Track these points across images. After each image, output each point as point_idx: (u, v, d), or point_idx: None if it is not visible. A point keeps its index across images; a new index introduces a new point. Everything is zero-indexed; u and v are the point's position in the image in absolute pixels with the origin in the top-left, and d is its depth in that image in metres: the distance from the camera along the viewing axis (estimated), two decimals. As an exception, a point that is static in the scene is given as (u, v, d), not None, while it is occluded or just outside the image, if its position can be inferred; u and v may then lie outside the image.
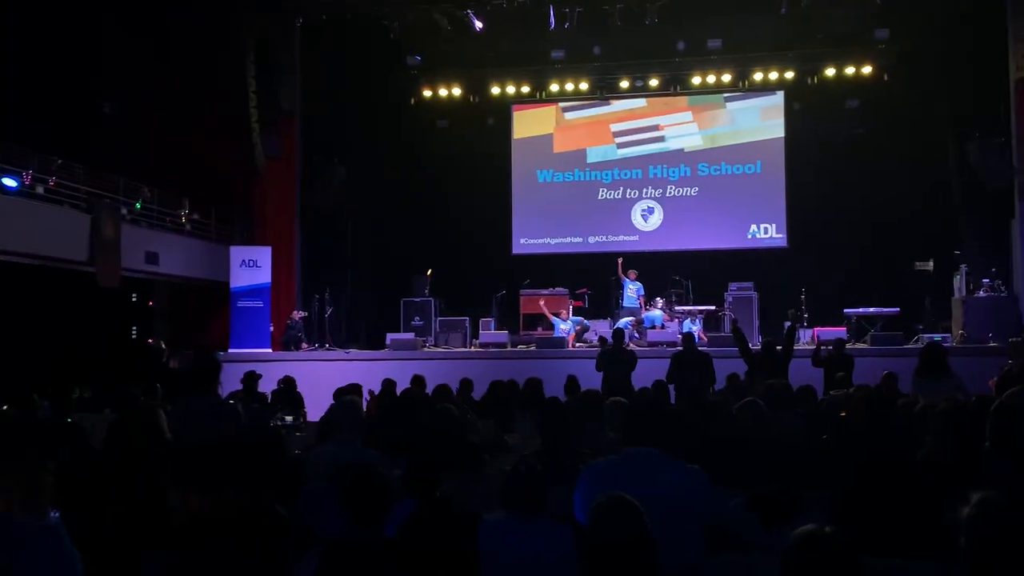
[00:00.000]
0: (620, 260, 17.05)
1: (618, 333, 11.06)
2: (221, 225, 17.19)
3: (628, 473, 3.73)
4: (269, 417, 7.58)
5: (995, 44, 15.93)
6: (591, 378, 10.00)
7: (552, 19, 16.49)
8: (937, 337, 15.19)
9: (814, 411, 7.39)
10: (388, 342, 16.45)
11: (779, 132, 18.99)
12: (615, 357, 10.49)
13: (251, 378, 11.17)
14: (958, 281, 16.27)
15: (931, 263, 16.47)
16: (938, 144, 16.93)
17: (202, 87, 16.56)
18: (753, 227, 18.93)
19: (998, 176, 15.80)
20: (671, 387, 9.46)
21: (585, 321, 16.98)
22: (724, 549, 3.65)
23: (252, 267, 16.35)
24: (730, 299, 17.16)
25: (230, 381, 11.82)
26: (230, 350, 15.78)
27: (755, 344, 16.09)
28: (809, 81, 18.61)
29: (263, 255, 16.51)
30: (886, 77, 18.11)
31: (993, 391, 7.02)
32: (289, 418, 7.40)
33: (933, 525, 3.62)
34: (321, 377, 13.89)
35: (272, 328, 16.50)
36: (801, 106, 19.09)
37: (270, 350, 16.11)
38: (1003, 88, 15.90)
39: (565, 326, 16.51)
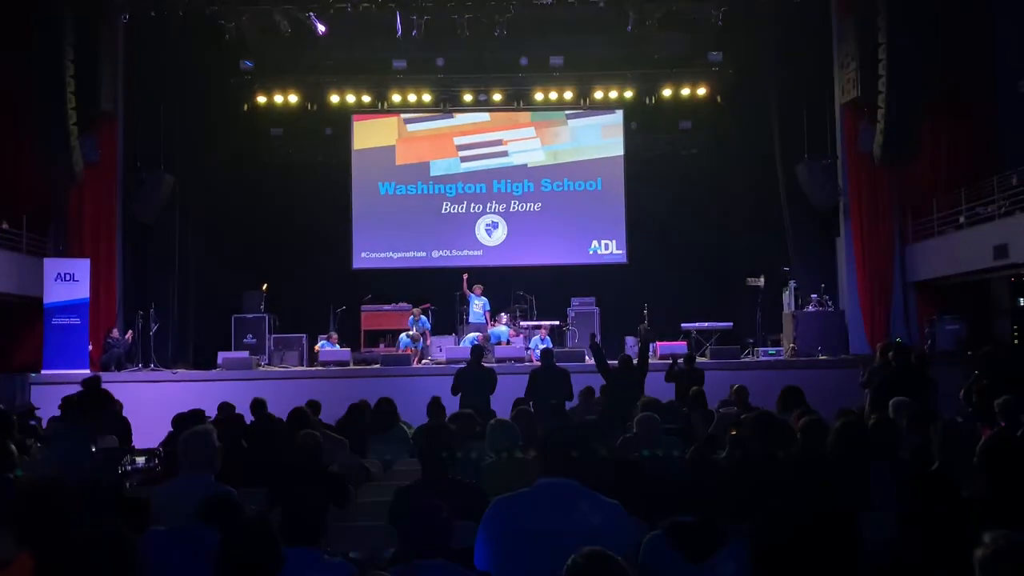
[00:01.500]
0: (465, 276, 16.85)
1: (476, 350, 10.71)
2: (33, 235, 15.71)
3: (543, 508, 3.37)
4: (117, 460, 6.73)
5: (823, 69, 16.74)
6: (440, 397, 9.57)
7: (399, 26, 16.03)
8: (771, 351, 15.83)
9: (685, 429, 7.33)
10: (220, 361, 15.50)
11: (619, 150, 19.27)
12: (474, 376, 10.12)
13: (69, 403, 10.12)
14: (787, 296, 16.95)
15: (762, 279, 17.04)
16: (768, 164, 17.58)
17: (10, 80, 15.12)
18: (594, 243, 19.10)
19: (825, 196, 16.56)
20: (531, 404, 9.19)
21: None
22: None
23: (69, 281, 15.03)
24: (572, 314, 17.30)
25: (46, 405, 10.78)
26: (43, 371, 14.46)
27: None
28: (647, 101, 18.97)
29: (81, 268, 15.21)
30: (719, 99, 18.72)
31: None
32: (141, 459, 6.60)
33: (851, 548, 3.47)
34: (147, 400, 12.93)
35: (91, 347, 15.20)
36: (638, 125, 19.47)
37: (89, 371, 14.81)
38: (830, 111, 16.73)
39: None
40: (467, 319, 16.80)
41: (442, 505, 3.31)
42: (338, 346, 16.37)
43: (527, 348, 16.03)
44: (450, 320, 17.49)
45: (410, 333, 16.27)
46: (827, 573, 3.29)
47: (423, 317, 16.57)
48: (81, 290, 15.11)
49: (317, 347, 16.44)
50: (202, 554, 3.04)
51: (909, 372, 8.45)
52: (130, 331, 15.56)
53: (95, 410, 9.51)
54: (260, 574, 2.83)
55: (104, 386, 12.96)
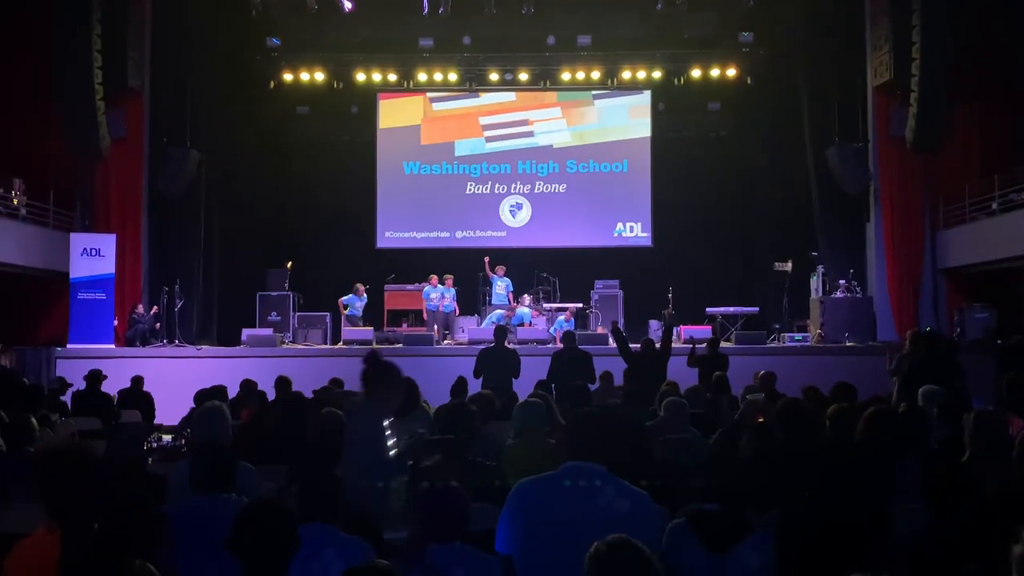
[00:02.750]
0: (487, 259, 16.79)
1: (499, 331, 10.65)
2: (60, 210, 15.79)
3: (568, 494, 3.30)
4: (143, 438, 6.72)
5: (854, 51, 16.47)
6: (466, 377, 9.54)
7: (426, 4, 15.92)
8: (798, 337, 15.67)
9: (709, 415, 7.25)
10: (244, 338, 15.53)
11: (646, 132, 19.07)
12: (496, 358, 10.06)
13: (94, 377, 10.21)
14: (815, 282, 16.76)
15: (790, 264, 16.84)
16: (798, 148, 17.36)
17: (38, 56, 15.16)
18: (619, 225, 18.95)
19: (855, 180, 16.32)
20: (552, 386, 9.13)
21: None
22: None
23: (94, 256, 15.11)
24: (596, 297, 17.18)
25: (70, 379, 10.88)
26: (69, 346, 14.56)
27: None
28: (675, 82, 18.76)
29: (107, 243, 15.29)
30: (749, 80, 18.47)
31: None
32: (167, 437, 6.58)
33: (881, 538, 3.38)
34: (171, 376, 12.99)
35: (116, 322, 15.29)
36: (666, 106, 19.27)
37: (114, 346, 14.94)
38: (862, 94, 16.46)
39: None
40: (490, 300, 16.73)
41: (459, 488, 3.25)
42: (365, 297, 16.37)
43: (550, 330, 15.96)
44: (472, 302, 17.43)
45: (434, 294, 16.23)
46: (853, 565, 3.21)
47: (454, 288, 16.49)
48: (107, 265, 15.19)
49: (342, 301, 16.41)
50: (217, 532, 3.01)
51: (938, 360, 8.31)
52: (155, 306, 15.63)
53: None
54: (274, 553, 2.79)
55: (128, 362, 13.14)
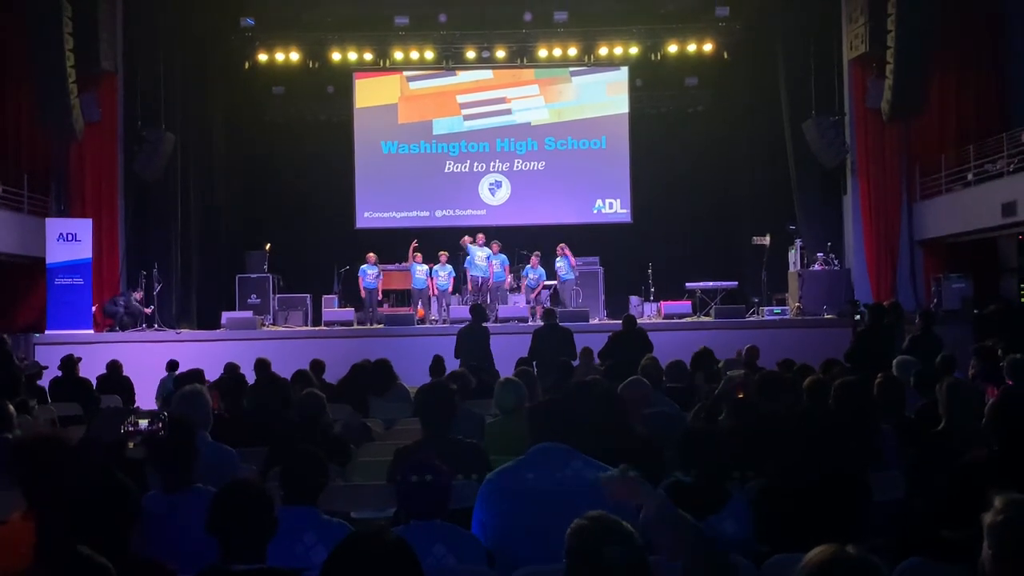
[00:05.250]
0: (465, 238, 16.64)
1: (476, 309, 10.65)
2: (35, 195, 15.61)
3: (537, 470, 3.40)
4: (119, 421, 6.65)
5: (830, 24, 16.49)
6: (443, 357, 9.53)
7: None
8: (776, 310, 15.77)
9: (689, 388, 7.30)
10: (224, 321, 15.48)
11: (623, 108, 19.04)
12: (474, 336, 10.07)
13: (70, 362, 10.11)
14: (793, 255, 16.85)
15: (768, 238, 16.89)
16: (775, 121, 17.38)
17: (9, 40, 14.94)
18: (598, 202, 18.95)
19: (832, 153, 16.36)
20: (534, 364, 9.16)
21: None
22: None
23: (71, 241, 14.95)
24: (576, 273, 17.14)
25: (49, 366, 10.81)
26: (47, 331, 14.45)
27: (600, 318, 16.25)
28: (652, 57, 18.72)
29: (83, 228, 15.13)
30: (726, 55, 18.45)
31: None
32: (143, 422, 6.52)
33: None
34: (150, 360, 12.89)
35: (95, 308, 15.18)
36: (644, 82, 19.23)
37: (92, 331, 14.83)
38: (838, 67, 16.49)
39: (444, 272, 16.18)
40: (469, 276, 16.55)
41: (441, 466, 3.26)
42: (376, 268, 16.28)
43: (520, 279, 16.10)
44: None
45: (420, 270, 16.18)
46: (830, 532, 3.25)
47: (449, 266, 16.37)
48: (84, 250, 15.04)
49: (359, 275, 16.32)
50: (195, 514, 3.01)
51: (883, 331, 8.38)
52: (139, 291, 15.47)
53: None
54: (253, 533, 2.78)
55: (107, 347, 13.06)
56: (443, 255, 16.37)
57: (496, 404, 5.29)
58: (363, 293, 16.24)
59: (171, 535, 3.43)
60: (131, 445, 6.40)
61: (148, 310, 15.44)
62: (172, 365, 10.77)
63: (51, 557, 2.69)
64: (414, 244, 16.59)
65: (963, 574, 2.44)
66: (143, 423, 7.33)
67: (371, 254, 16.38)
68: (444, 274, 16.25)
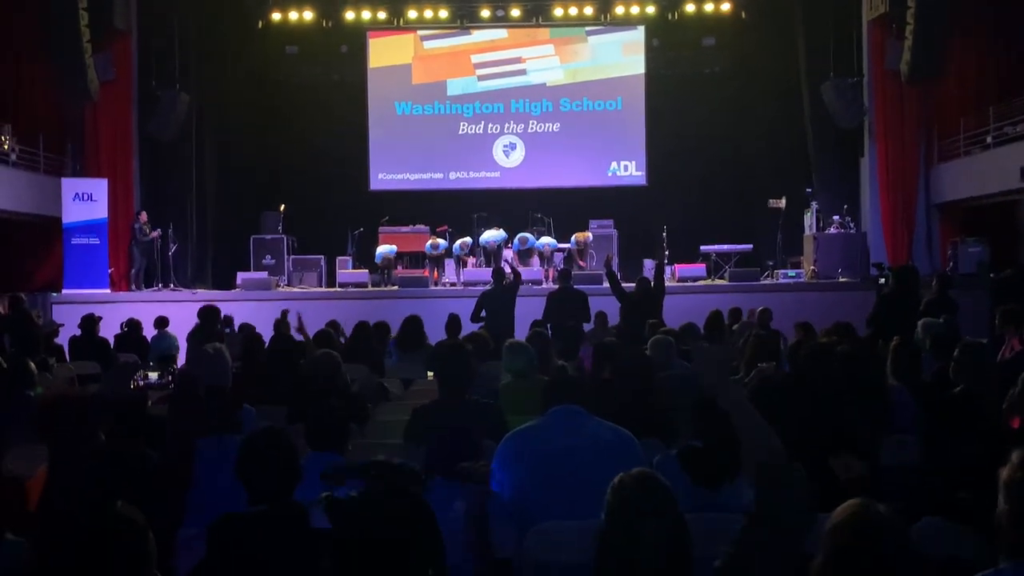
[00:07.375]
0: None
1: (498, 273, 10.68)
2: (50, 155, 15.65)
3: (553, 431, 3.49)
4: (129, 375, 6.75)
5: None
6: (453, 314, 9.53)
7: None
8: (791, 273, 15.71)
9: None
10: (239, 281, 15.56)
11: (640, 68, 18.84)
12: (498, 299, 10.08)
13: (90, 321, 10.21)
14: (809, 218, 16.75)
15: (783, 201, 16.78)
16: (792, 83, 17.21)
17: (22, 0, 14.90)
18: (613, 164, 18.84)
19: (850, 115, 16.22)
20: (548, 326, 9.17)
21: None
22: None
23: (87, 201, 15.02)
24: (591, 236, 17.11)
25: (66, 325, 10.92)
26: (64, 291, 14.56)
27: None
28: (669, 17, 18.51)
29: (99, 188, 15.19)
30: (743, 15, 18.21)
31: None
32: (154, 375, 6.62)
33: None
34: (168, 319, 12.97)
35: (111, 268, 15.28)
36: (660, 43, 19.01)
37: (109, 291, 14.94)
38: (857, 28, 16.29)
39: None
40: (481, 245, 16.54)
41: (466, 427, 3.32)
42: (393, 247, 16.34)
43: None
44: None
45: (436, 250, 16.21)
46: (839, 496, 3.27)
47: (441, 241, 16.39)
48: (99, 210, 15.11)
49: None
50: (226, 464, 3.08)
51: (906, 295, 8.32)
52: (158, 230, 15.49)
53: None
54: (276, 478, 2.85)
55: (124, 306, 13.16)
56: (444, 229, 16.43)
57: (506, 368, 5.32)
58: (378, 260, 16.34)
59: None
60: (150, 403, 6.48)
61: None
62: (161, 322, 10.90)
63: (58, 514, 2.75)
64: (445, 228, 16.58)
65: (978, 532, 2.46)
66: (152, 376, 7.46)
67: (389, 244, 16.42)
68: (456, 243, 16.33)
